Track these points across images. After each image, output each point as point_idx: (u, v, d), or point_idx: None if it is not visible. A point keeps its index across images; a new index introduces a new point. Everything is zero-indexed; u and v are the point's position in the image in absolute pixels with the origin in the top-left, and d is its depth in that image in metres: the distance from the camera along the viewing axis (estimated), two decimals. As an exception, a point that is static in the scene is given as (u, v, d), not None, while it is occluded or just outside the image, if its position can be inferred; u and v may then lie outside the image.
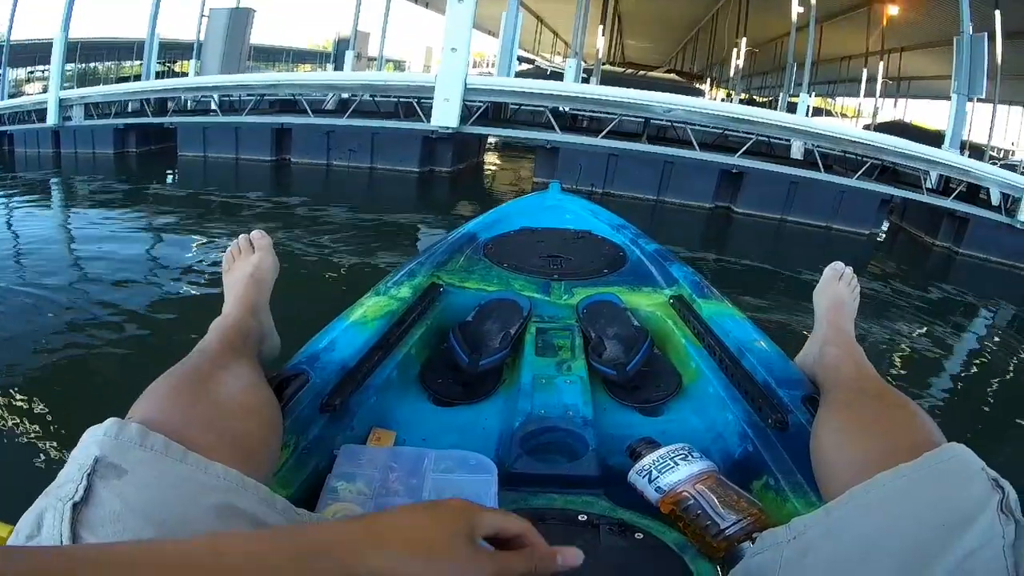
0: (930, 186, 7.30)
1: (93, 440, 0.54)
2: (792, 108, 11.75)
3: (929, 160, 6.87)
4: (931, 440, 0.67)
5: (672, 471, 0.80)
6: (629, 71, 18.79)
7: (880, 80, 15.46)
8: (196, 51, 11.33)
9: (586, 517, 0.78)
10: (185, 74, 12.98)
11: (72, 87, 9.61)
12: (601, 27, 14.75)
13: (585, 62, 13.16)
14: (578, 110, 8.86)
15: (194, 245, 4.45)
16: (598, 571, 0.69)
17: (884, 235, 7.72)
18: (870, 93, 16.46)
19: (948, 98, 7.83)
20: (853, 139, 7.28)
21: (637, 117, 7.74)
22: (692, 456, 0.82)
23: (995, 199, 6.68)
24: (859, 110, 18.99)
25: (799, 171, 7.29)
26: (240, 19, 10.55)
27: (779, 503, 0.82)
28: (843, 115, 23.48)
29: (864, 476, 0.62)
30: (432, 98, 7.22)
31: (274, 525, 0.57)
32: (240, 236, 1.08)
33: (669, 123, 8.16)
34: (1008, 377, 3.59)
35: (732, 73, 16.87)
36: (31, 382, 2.35)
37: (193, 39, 11.50)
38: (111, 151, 8.25)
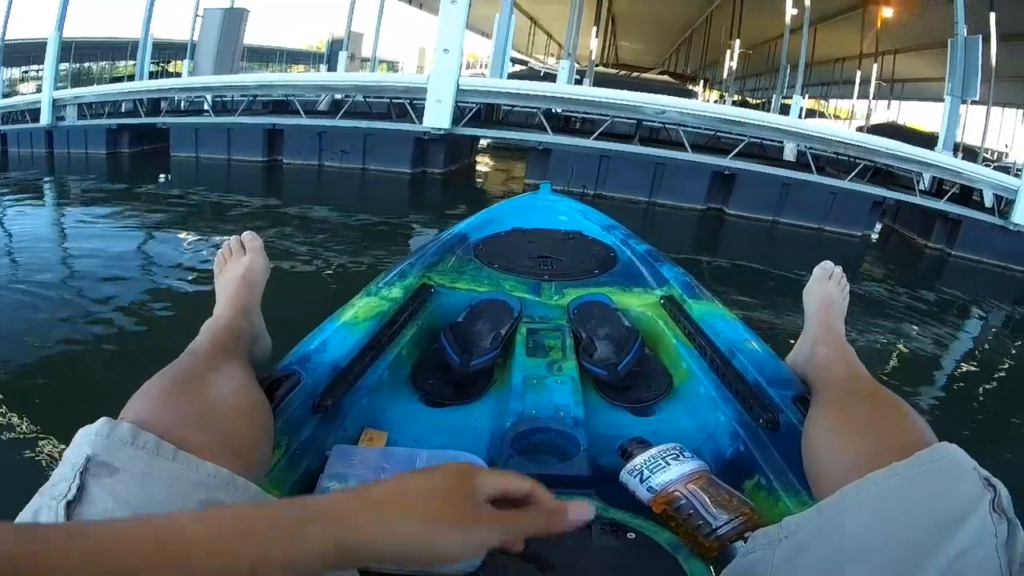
0: (923, 188, 7.33)
1: (85, 440, 0.55)
2: (785, 110, 11.80)
3: (922, 162, 6.91)
4: (922, 439, 0.67)
5: (664, 471, 0.80)
6: (623, 72, 18.78)
7: (874, 82, 15.57)
8: (190, 51, 11.31)
9: None
10: (179, 74, 12.95)
11: (66, 87, 9.56)
12: (595, 28, 14.77)
13: (578, 63, 13.19)
14: (571, 112, 8.88)
15: (186, 245, 4.44)
16: (591, 571, 0.69)
17: (876, 237, 7.75)
18: (863, 95, 16.56)
19: (942, 100, 7.87)
20: (846, 141, 7.31)
21: (629, 119, 7.76)
22: (684, 456, 0.82)
23: (988, 201, 6.72)
24: (852, 112, 19.10)
25: (791, 173, 7.30)
26: (234, 19, 10.54)
27: (771, 502, 0.83)
28: (836, 117, 23.63)
29: (856, 475, 0.62)
30: (424, 99, 7.22)
31: None
32: (231, 238, 1.08)
33: (662, 125, 8.18)
34: (1000, 377, 3.62)
35: (725, 75, 16.91)
36: (24, 382, 2.34)
37: (187, 39, 11.47)
38: (104, 151, 8.22)
